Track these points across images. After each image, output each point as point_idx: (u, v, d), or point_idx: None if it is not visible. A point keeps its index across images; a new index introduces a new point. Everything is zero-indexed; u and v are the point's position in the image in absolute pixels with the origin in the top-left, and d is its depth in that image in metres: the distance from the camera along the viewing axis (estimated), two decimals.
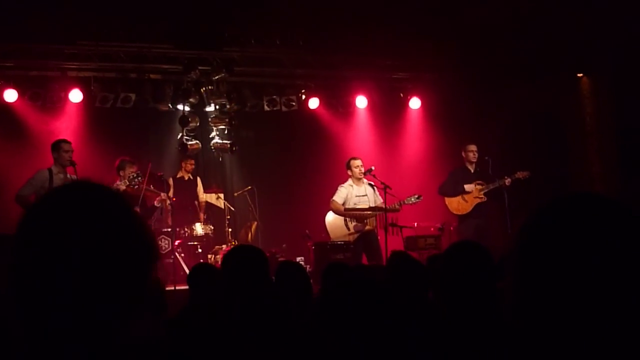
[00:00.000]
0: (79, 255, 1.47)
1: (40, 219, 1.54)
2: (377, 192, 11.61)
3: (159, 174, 11.77)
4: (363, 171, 11.64)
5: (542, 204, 1.62)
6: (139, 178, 10.61)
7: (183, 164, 12.86)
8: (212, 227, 12.54)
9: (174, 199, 12.00)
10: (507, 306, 1.60)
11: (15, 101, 11.94)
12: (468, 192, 11.88)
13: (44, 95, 12.13)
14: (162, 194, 11.48)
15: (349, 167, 11.77)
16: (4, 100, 11.85)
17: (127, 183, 10.45)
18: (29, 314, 1.49)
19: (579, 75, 13.21)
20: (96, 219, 1.52)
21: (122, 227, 1.55)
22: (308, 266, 11.24)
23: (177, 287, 9.78)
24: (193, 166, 12.90)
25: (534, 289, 1.54)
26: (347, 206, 11.62)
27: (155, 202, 11.27)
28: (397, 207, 11.44)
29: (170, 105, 12.95)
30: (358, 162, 11.72)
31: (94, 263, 1.48)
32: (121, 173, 10.95)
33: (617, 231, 1.52)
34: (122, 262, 1.51)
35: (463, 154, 12.20)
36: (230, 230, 12.40)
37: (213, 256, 11.93)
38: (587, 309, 1.46)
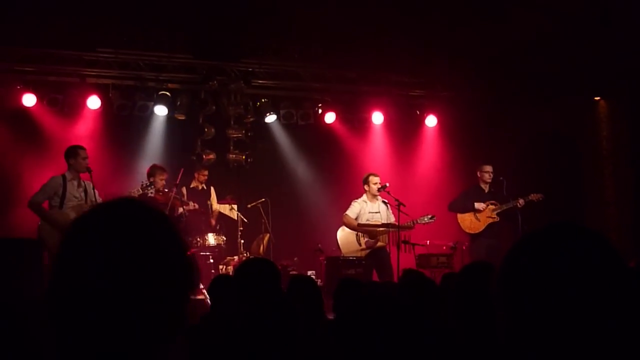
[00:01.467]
0: (122, 274, 1.46)
1: (86, 233, 1.53)
2: (390, 210, 11.61)
3: (175, 183, 11.81)
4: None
5: (522, 237, 1.65)
6: (152, 186, 10.64)
7: (196, 175, 12.85)
8: (225, 238, 12.53)
9: (198, 207, 12.05)
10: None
11: (34, 106, 12.00)
12: (478, 210, 11.86)
13: (62, 100, 12.16)
14: (190, 202, 11.56)
15: (366, 182, 11.73)
16: (23, 105, 11.91)
17: (140, 191, 10.46)
18: (63, 329, 1.47)
19: (596, 98, 13.20)
20: (141, 239, 1.51)
21: (165, 249, 1.53)
22: (319, 280, 11.23)
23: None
24: (206, 177, 12.90)
25: (514, 320, 1.58)
26: (359, 222, 11.62)
27: (183, 211, 11.33)
28: (410, 225, 11.44)
29: (186, 115, 12.97)
30: (377, 179, 11.67)
31: (136, 283, 1.46)
32: (151, 179, 11.01)
33: (593, 262, 1.55)
34: (163, 284, 1.50)
35: (478, 173, 12.16)
36: (242, 241, 12.37)
37: (224, 267, 11.92)
38: (566, 338, 1.50)
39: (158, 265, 1.51)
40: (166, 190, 11.26)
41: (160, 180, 11.31)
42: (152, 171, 11.21)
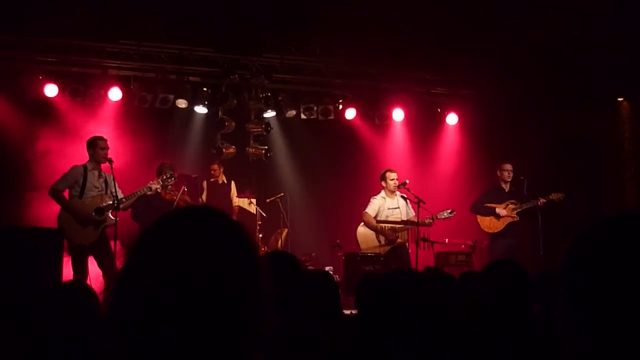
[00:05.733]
0: (198, 286, 1.42)
1: (163, 240, 1.50)
2: (410, 206, 11.59)
3: (193, 176, 11.83)
4: (397, 184, 11.61)
5: (590, 224, 1.60)
6: (172, 178, 10.65)
7: (212, 168, 12.76)
8: None
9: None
10: (542, 328, 1.59)
11: (56, 96, 12.05)
12: (498, 215, 11.80)
13: (84, 91, 12.21)
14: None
15: (383, 179, 11.75)
16: (45, 95, 11.96)
17: (161, 183, 10.47)
18: (128, 339, 1.43)
19: (619, 99, 13.09)
20: (219, 250, 1.48)
21: (244, 264, 1.51)
22: (337, 276, 11.20)
23: None
24: (216, 171, 12.74)
25: (583, 311, 1.52)
26: (379, 218, 11.60)
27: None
28: (429, 221, 11.40)
29: (207, 108, 12.99)
30: (394, 175, 11.69)
31: (212, 296, 1.42)
32: (164, 176, 11.07)
33: None
34: (240, 299, 1.46)
35: (498, 172, 12.14)
36: (260, 236, 12.37)
37: None
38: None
39: (237, 279, 1.47)
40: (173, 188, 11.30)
41: (164, 174, 11.32)
42: (161, 168, 11.18)
